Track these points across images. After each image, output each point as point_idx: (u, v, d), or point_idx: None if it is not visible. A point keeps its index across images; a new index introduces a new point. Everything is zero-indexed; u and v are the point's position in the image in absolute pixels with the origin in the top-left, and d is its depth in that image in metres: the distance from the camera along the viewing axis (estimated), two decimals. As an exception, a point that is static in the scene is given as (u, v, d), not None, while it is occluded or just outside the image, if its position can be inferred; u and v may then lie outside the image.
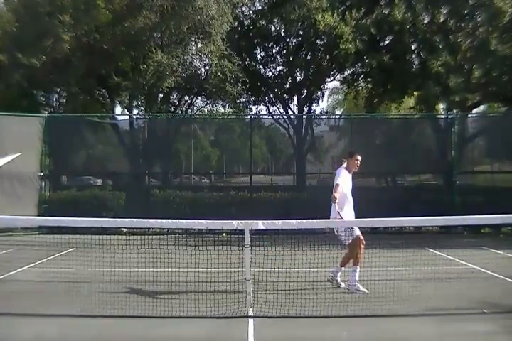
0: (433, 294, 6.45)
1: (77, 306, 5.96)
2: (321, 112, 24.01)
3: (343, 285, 7.07)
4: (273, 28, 20.31)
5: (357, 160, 7.32)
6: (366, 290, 6.79)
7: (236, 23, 18.69)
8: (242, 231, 5.87)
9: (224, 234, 12.00)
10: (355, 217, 7.15)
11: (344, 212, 6.99)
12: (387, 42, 18.73)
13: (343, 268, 7.16)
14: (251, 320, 5.49)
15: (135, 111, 20.09)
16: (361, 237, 6.98)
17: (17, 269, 8.15)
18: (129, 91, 18.19)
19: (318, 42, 19.50)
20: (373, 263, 7.23)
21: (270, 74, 21.03)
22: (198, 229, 8.99)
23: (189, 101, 21.38)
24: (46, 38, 15.30)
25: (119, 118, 22.51)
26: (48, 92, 19.57)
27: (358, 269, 6.94)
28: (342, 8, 18.40)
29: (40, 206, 13.93)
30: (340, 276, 7.15)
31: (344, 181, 7.15)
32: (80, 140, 16.41)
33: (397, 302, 5.99)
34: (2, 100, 15.99)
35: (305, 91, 21.09)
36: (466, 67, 16.51)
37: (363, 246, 7.01)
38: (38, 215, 12.83)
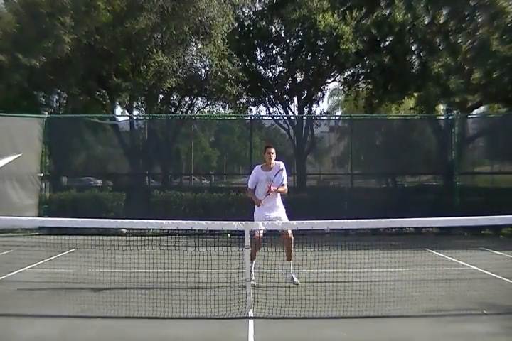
0: (433, 295, 6.45)
1: (77, 307, 5.96)
2: (321, 113, 24.06)
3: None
4: (273, 29, 20.35)
5: (269, 153, 7.37)
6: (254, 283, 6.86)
7: (236, 24, 18.71)
8: (242, 232, 5.87)
9: (228, 235, 12.06)
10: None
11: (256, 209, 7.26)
12: (387, 43, 18.75)
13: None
14: (251, 321, 5.48)
15: (135, 112, 20.15)
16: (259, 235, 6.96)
17: (17, 270, 8.14)
18: (129, 92, 18.20)
19: (319, 43, 19.52)
20: (373, 264, 7.24)
21: (270, 75, 21.06)
22: (198, 230, 8.98)
23: (189, 102, 21.42)
24: (46, 38, 15.31)
25: (120, 119, 22.62)
26: (48, 93, 19.62)
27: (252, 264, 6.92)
28: (342, 9, 18.39)
29: (40, 207, 13.93)
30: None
31: (253, 177, 7.37)
32: (80, 141, 16.41)
33: (397, 303, 5.99)
34: (2, 101, 16.03)
35: (305, 92, 21.11)
36: (466, 68, 16.52)
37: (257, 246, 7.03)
38: (38, 216, 12.83)
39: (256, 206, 7.34)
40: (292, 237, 7.14)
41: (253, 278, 7.04)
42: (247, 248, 5.82)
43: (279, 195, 7.48)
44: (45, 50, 15.37)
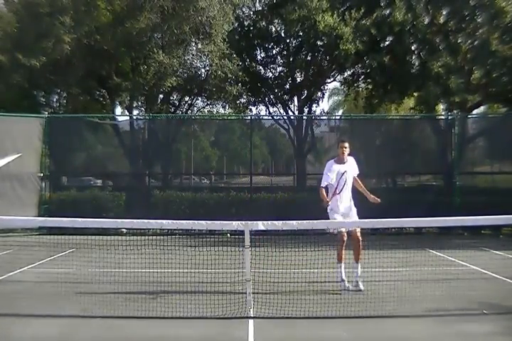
0: (433, 295, 6.45)
1: (77, 306, 5.96)
2: (321, 113, 24.03)
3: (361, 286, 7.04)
4: (273, 29, 20.32)
5: (342, 147, 7.37)
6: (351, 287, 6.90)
7: (236, 24, 18.71)
8: (242, 232, 5.87)
9: (228, 235, 12.07)
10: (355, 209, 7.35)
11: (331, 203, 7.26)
12: (387, 43, 18.73)
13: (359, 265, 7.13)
14: (251, 321, 5.49)
15: (135, 112, 20.09)
16: (344, 234, 6.97)
17: (17, 270, 8.15)
18: (129, 92, 18.17)
19: (319, 43, 19.49)
20: (373, 263, 7.24)
21: (270, 74, 21.02)
22: (198, 230, 8.99)
23: (189, 102, 21.38)
24: (47, 38, 15.29)
25: (120, 118, 22.51)
26: (48, 93, 19.58)
27: (342, 265, 7.02)
28: (342, 9, 18.39)
29: (40, 206, 13.93)
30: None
31: (330, 172, 7.29)
32: (80, 140, 16.41)
33: (397, 303, 6.00)
34: (2, 101, 16.00)
35: (305, 92, 21.07)
36: (466, 67, 16.52)
37: (343, 244, 7.03)
38: (38, 216, 12.82)
39: (328, 204, 7.25)
40: (361, 238, 7.09)
41: (346, 283, 7.01)
42: (247, 248, 5.82)
43: (351, 197, 7.44)
44: (45, 50, 15.35)
